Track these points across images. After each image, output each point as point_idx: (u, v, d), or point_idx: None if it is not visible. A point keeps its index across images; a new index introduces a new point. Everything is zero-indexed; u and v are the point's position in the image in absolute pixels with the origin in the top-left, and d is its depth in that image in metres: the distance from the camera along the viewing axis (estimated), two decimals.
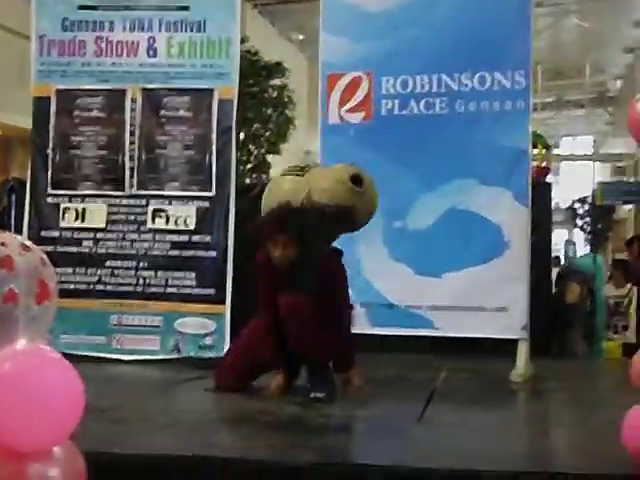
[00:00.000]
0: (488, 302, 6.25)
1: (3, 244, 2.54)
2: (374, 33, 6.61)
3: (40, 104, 6.98)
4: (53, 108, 6.94)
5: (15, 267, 2.51)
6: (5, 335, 2.50)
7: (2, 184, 7.77)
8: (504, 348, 6.18)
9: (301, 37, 23.42)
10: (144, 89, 6.87)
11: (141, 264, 6.76)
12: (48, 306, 2.59)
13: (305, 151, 22.54)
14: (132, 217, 6.81)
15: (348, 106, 6.63)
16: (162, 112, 6.87)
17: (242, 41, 7.42)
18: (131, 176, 6.84)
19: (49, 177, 6.91)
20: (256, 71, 14.13)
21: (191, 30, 6.86)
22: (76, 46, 6.95)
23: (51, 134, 6.93)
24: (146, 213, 6.78)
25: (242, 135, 12.98)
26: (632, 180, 20.56)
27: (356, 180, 5.46)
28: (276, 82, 14.59)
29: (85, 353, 6.45)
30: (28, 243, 2.62)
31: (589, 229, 21.87)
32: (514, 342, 6.15)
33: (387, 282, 6.47)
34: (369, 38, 6.62)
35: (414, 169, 6.42)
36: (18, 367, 2.44)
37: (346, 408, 4.98)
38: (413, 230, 6.44)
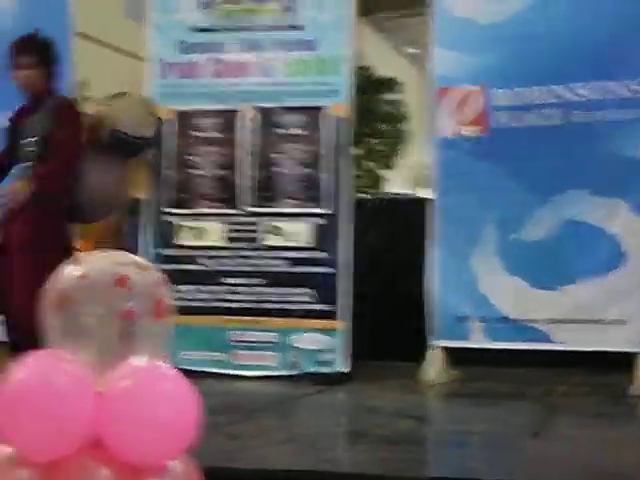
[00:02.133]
0: (606, 315, 6.14)
1: (121, 263, 2.61)
2: (486, 45, 6.58)
3: (159, 125, 7.14)
4: (171, 129, 7.09)
5: (132, 286, 2.57)
6: (123, 352, 2.56)
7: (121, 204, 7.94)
8: (622, 362, 6.06)
9: (414, 51, 23.40)
10: (259, 108, 6.96)
11: (258, 281, 6.84)
12: (165, 323, 2.65)
13: (420, 164, 22.50)
14: (248, 235, 6.90)
15: (461, 120, 6.61)
16: (277, 130, 6.95)
17: (356, 57, 7.45)
18: (247, 194, 6.93)
19: (167, 196, 7.05)
20: (370, 86, 14.19)
21: (305, 49, 6.92)
22: (193, 68, 7.10)
23: (169, 154, 7.08)
24: (262, 230, 6.87)
25: (357, 151, 13.05)
26: None
27: None
28: (390, 97, 14.62)
29: (205, 369, 6.55)
30: (145, 262, 2.69)
31: None
32: (633, 355, 6.03)
33: (502, 295, 6.41)
34: (481, 51, 6.59)
35: (528, 181, 6.36)
36: (136, 383, 2.49)
37: (462, 422, 4.95)
38: (528, 242, 6.37)
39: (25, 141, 5.17)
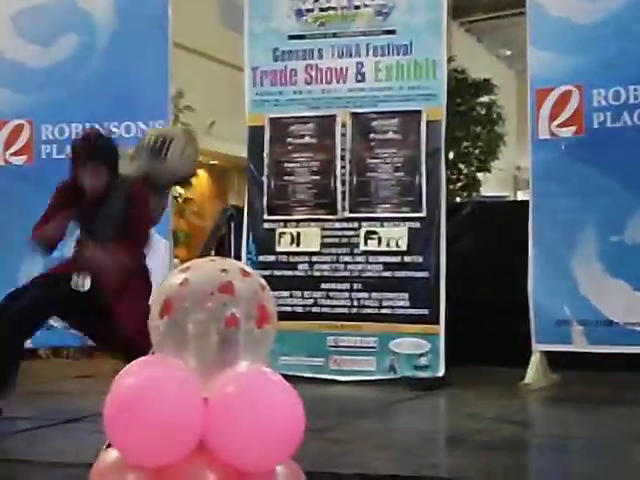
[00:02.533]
0: None
1: (224, 270, 2.64)
2: (583, 45, 6.49)
3: (255, 133, 7.21)
4: (267, 136, 7.15)
5: (236, 292, 2.60)
6: (228, 358, 2.59)
7: (222, 212, 8.05)
8: None
9: (509, 52, 23.19)
10: (353, 114, 6.98)
11: (355, 286, 6.86)
12: (268, 329, 2.67)
13: (516, 167, 22.27)
14: (345, 240, 6.92)
15: (559, 121, 6.53)
16: (371, 135, 6.97)
17: (449, 60, 7.45)
18: (343, 199, 6.96)
19: (265, 203, 7.12)
20: (464, 89, 14.11)
21: (398, 54, 6.92)
22: (287, 75, 7.15)
23: (265, 161, 7.14)
24: (359, 235, 6.88)
25: (451, 154, 12.98)
26: None
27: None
28: (484, 99, 14.51)
29: (302, 374, 6.58)
30: (248, 268, 2.72)
31: None
32: None
33: (604, 299, 6.31)
34: (578, 51, 6.51)
35: (629, 182, 6.25)
36: (241, 389, 2.53)
37: (564, 427, 4.89)
38: (631, 245, 6.26)
39: (100, 223, 5.33)
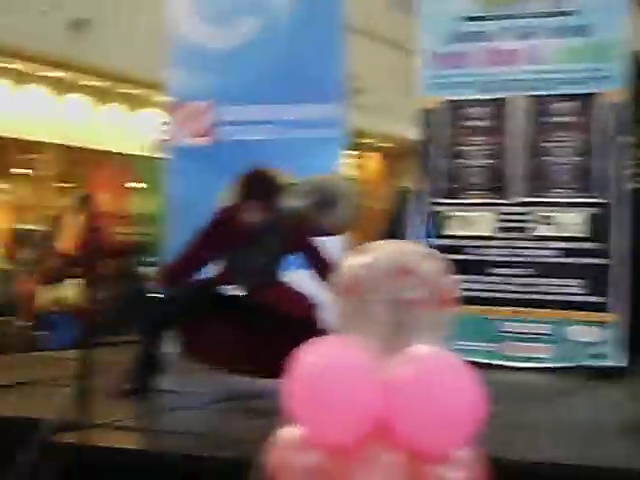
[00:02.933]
0: None
1: (407, 253, 2.64)
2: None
3: (427, 116, 7.17)
4: (440, 119, 7.11)
5: (417, 274, 2.60)
6: (407, 340, 2.59)
7: (399, 194, 8.00)
8: None
9: None
10: (529, 97, 6.86)
11: (529, 271, 6.75)
12: (449, 313, 2.66)
13: None
14: (519, 224, 6.82)
15: None
16: (547, 119, 6.83)
17: (630, 41, 7.18)
18: (517, 184, 6.86)
19: (437, 186, 7.08)
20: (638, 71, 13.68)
21: (577, 35, 6.76)
22: (461, 58, 7.08)
23: (438, 144, 7.11)
24: (533, 220, 6.77)
25: (631, 138, 12.59)
26: None
27: None
28: None
29: (474, 359, 6.52)
30: (430, 251, 2.72)
31: None
32: None
33: None
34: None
35: None
36: (423, 371, 2.52)
37: None
38: None
39: (250, 260, 5.47)
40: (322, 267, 5.29)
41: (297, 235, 5.48)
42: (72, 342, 7.67)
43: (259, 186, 5.41)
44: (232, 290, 5.41)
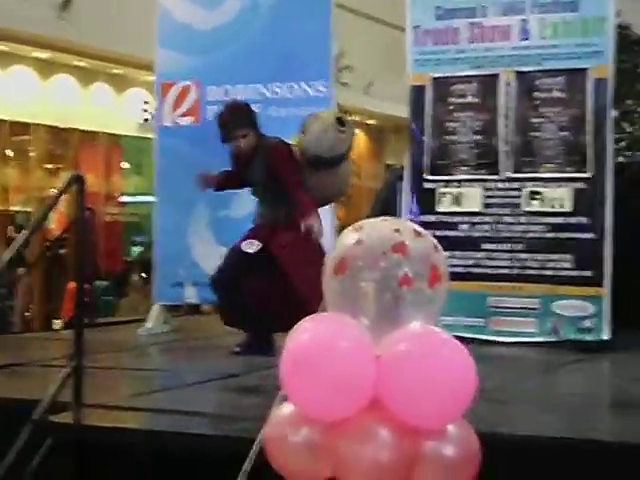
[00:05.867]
0: None
1: (397, 230, 2.66)
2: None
3: (417, 92, 7.16)
4: (429, 96, 7.11)
5: (409, 252, 2.62)
6: (399, 317, 2.61)
7: (391, 172, 8.01)
8: None
9: None
10: (517, 72, 6.86)
11: (517, 247, 6.78)
12: (440, 290, 2.68)
13: None
14: (507, 200, 6.83)
15: None
16: (536, 94, 6.83)
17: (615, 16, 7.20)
18: (506, 159, 6.86)
19: (426, 163, 7.09)
20: (628, 46, 13.70)
21: (563, 10, 6.75)
22: (450, 34, 7.08)
23: (427, 121, 7.11)
24: (521, 196, 6.79)
25: (615, 113, 12.65)
26: None
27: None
28: None
29: (463, 335, 6.55)
30: (420, 229, 2.73)
31: None
32: None
33: None
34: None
35: None
36: (415, 347, 2.55)
37: None
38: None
39: (253, 186, 6.30)
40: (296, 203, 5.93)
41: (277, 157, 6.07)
42: None
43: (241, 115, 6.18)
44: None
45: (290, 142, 6.21)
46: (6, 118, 12.96)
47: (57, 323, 12.01)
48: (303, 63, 7.31)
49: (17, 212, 13.49)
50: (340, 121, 6.15)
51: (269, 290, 6.06)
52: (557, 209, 6.66)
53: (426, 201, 7.04)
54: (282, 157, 6.07)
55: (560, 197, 6.65)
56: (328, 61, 7.31)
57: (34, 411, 4.16)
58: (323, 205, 6.37)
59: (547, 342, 6.53)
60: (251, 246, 6.03)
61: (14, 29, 11.54)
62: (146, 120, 13.57)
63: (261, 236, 6.09)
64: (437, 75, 7.09)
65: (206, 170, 6.40)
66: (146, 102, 13.66)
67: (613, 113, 6.90)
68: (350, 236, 2.67)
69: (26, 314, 12.51)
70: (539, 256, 6.70)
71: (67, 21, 11.83)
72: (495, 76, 6.92)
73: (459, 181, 6.99)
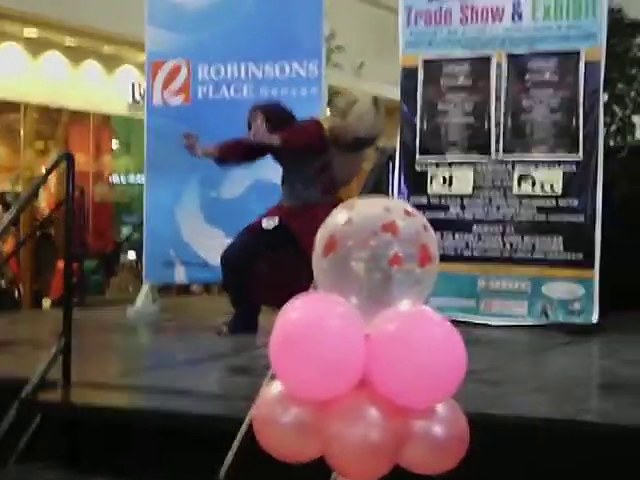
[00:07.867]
0: None
1: (388, 209, 2.64)
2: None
3: (408, 74, 7.15)
4: (421, 77, 7.09)
5: (399, 231, 2.60)
6: (389, 297, 2.61)
7: (381, 152, 7.99)
8: None
9: None
10: (509, 54, 6.85)
11: (507, 229, 6.78)
12: (430, 270, 2.66)
13: None
14: (498, 182, 6.83)
15: None
16: (527, 76, 6.82)
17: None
18: (497, 142, 6.86)
19: (417, 145, 7.08)
20: (620, 29, 13.66)
21: None
22: (442, 15, 7.05)
23: (419, 103, 7.09)
24: (512, 178, 6.78)
25: (606, 96, 12.62)
26: None
27: None
28: None
29: (452, 316, 6.54)
30: (411, 209, 2.72)
31: None
32: None
33: None
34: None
35: None
36: (404, 327, 2.54)
37: None
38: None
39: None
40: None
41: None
42: None
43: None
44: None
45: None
46: None
47: (46, 301, 12.01)
48: (295, 43, 7.29)
49: (6, 192, 13.44)
50: (376, 103, 6.21)
51: (282, 267, 6.09)
52: (548, 192, 6.67)
53: (417, 183, 7.04)
54: (317, 136, 6.07)
55: (551, 180, 6.65)
56: (320, 41, 7.29)
57: (23, 389, 4.16)
58: (341, 187, 6.39)
59: (536, 324, 6.54)
60: (271, 222, 6.07)
61: (3, 6, 11.45)
62: (135, 99, 13.53)
63: (282, 213, 6.10)
64: (429, 57, 7.07)
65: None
66: (143, 81, 13.61)
67: (604, 97, 6.88)
68: (340, 215, 2.66)
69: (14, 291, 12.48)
70: (529, 238, 6.71)
71: None
72: (487, 58, 6.91)
73: (450, 163, 6.98)
